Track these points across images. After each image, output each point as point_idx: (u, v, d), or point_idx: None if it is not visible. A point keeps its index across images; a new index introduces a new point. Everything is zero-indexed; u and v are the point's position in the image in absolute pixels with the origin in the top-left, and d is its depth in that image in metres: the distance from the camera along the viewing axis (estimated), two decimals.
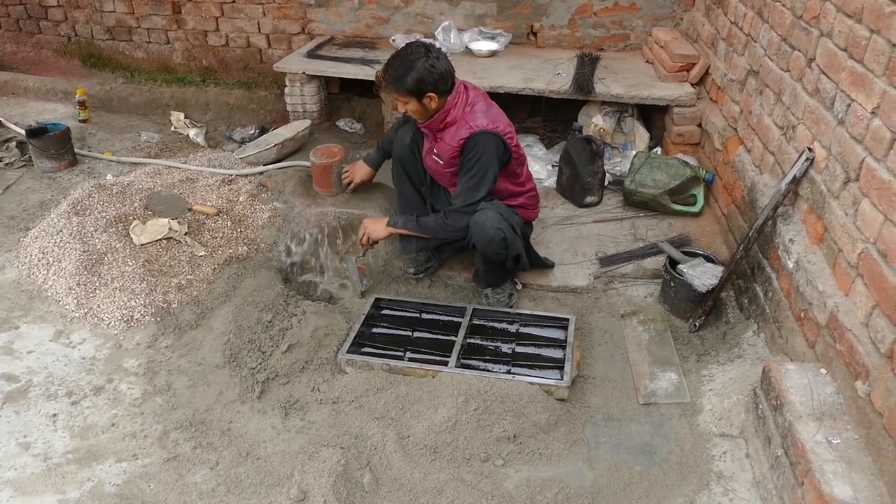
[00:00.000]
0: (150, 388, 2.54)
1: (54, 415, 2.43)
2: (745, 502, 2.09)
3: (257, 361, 2.64)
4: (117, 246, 3.02)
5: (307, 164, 3.61)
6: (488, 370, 2.58)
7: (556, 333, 2.78)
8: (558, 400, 2.46)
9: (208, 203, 3.39)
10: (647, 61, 4.29)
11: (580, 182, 3.59)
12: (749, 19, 3.18)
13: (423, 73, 2.58)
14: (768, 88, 2.89)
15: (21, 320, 2.85)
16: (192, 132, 4.45)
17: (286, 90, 4.42)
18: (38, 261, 3.05)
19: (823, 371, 2.10)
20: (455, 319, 2.86)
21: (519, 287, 3.08)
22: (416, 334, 2.82)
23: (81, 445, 2.31)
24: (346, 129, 4.53)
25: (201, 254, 3.07)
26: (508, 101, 3.80)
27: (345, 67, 4.29)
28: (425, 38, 4.35)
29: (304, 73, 4.31)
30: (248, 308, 2.84)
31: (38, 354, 2.69)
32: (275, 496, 2.12)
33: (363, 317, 2.85)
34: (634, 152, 3.82)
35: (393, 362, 2.61)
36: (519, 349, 2.73)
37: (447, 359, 2.60)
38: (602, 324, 2.92)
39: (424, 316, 2.93)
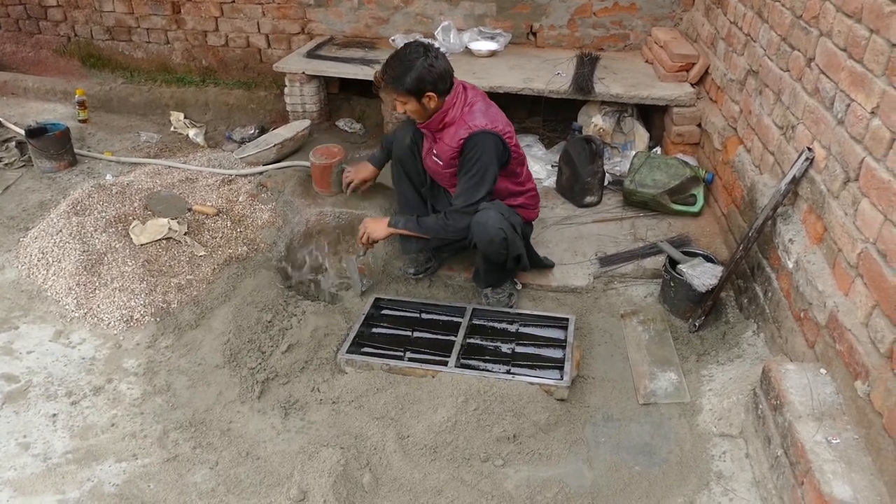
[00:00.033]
0: (150, 388, 2.54)
1: (54, 415, 2.43)
2: (745, 502, 2.09)
3: (257, 361, 2.64)
4: (117, 246, 3.02)
5: (307, 164, 3.61)
6: (488, 370, 2.58)
7: (555, 333, 2.79)
8: (558, 400, 2.46)
9: (208, 203, 3.39)
10: (646, 61, 4.29)
11: (580, 182, 3.59)
12: (748, 19, 3.18)
13: (423, 72, 2.57)
14: (768, 88, 2.89)
15: (21, 320, 2.85)
16: (191, 132, 4.45)
17: (286, 90, 4.42)
18: (38, 261, 3.05)
19: (823, 371, 2.10)
20: (455, 319, 2.86)
21: (519, 287, 3.08)
22: (416, 334, 2.82)
23: (81, 445, 2.31)
24: (346, 129, 4.53)
25: (201, 254, 3.07)
26: (508, 101, 3.79)
27: (344, 67, 4.29)
28: (425, 38, 4.35)
29: (303, 73, 4.31)
30: (248, 308, 2.84)
31: (37, 354, 2.69)
32: (275, 496, 2.12)
33: (363, 317, 2.85)
34: (634, 152, 3.82)
35: (393, 362, 2.61)
36: (519, 349, 2.73)
37: (447, 359, 2.60)
38: (602, 324, 2.92)
39: (424, 316, 2.93)
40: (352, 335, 2.74)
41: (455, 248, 3.05)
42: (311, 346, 2.71)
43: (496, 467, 2.24)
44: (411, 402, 2.46)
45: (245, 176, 3.69)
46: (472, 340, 2.77)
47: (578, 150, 3.62)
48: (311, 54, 4.47)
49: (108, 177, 3.78)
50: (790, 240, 2.45)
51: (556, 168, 3.86)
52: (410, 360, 2.66)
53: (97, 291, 2.87)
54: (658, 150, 4.02)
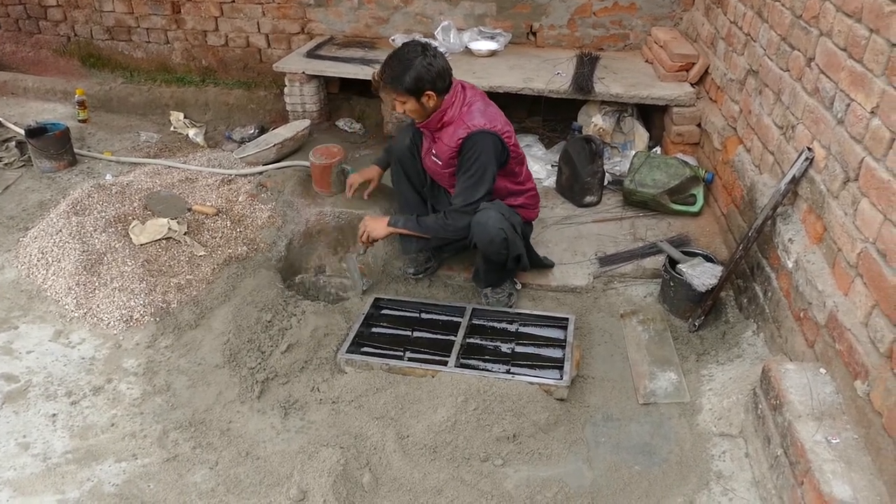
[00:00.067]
0: (150, 388, 2.54)
1: (54, 415, 2.43)
2: (745, 502, 2.09)
3: (257, 361, 2.64)
4: (116, 246, 3.02)
5: (307, 164, 3.61)
6: (488, 370, 2.58)
7: (555, 333, 2.79)
8: (558, 400, 2.46)
9: (208, 203, 3.39)
10: (646, 61, 4.29)
11: (580, 182, 3.59)
12: (748, 19, 3.18)
13: (421, 70, 2.57)
14: (768, 88, 2.89)
15: (20, 320, 2.84)
16: (191, 132, 4.45)
17: (286, 90, 4.42)
18: (38, 261, 3.05)
19: (823, 371, 2.10)
20: (455, 319, 2.86)
21: (518, 287, 3.08)
22: (416, 334, 2.82)
23: (81, 445, 2.31)
24: (346, 128, 4.53)
25: (201, 254, 3.07)
26: (508, 101, 3.79)
27: (344, 67, 4.29)
28: (425, 37, 4.35)
29: (303, 72, 4.31)
30: (248, 308, 2.84)
31: (37, 354, 2.69)
32: (274, 496, 2.12)
33: (363, 317, 2.85)
34: (634, 152, 3.82)
35: (392, 362, 2.61)
36: (518, 349, 2.73)
37: (447, 358, 2.60)
38: (601, 323, 2.92)
39: (424, 316, 2.93)
40: (351, 335, 2.74)
41: (455, 247, 3.05)
42: (311, 345, 2.71)
43: (496, 467, 2.24)
44: (411, 401, 2.46)
45: (245, 176, 3.69)
46: (471, 340, 2.77)
47: (578, 149, 3.62)
48: (311, 54, 4.47)
49: (108, 177, 3.78)
50: (790, 239, 2.45)
51: (556, 168, 3.86)
52: (410, 359, 2.66)
53: (97, 291, 2.87)
54: (658, 149, 4.02)
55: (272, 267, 3.14)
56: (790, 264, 2.40)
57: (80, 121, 4.59)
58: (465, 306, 2.91)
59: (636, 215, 3.54)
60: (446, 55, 3.23)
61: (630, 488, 2.17)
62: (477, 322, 2.87)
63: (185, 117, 4.68)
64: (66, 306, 2.86)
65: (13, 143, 4.13)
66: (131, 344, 2.71)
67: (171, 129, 4.59)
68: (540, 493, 2.15)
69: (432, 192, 3.10)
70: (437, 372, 2.53)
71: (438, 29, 4.45)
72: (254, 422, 2.43)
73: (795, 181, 2.45)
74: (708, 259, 2.90)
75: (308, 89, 4.39)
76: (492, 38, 4.47)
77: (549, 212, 3.57)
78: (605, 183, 3.73)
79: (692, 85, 3.86)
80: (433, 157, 2.83)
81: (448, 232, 2.77)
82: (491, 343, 2.77)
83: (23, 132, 3.99)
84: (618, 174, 3.84)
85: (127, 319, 2.76)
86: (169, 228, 3.14)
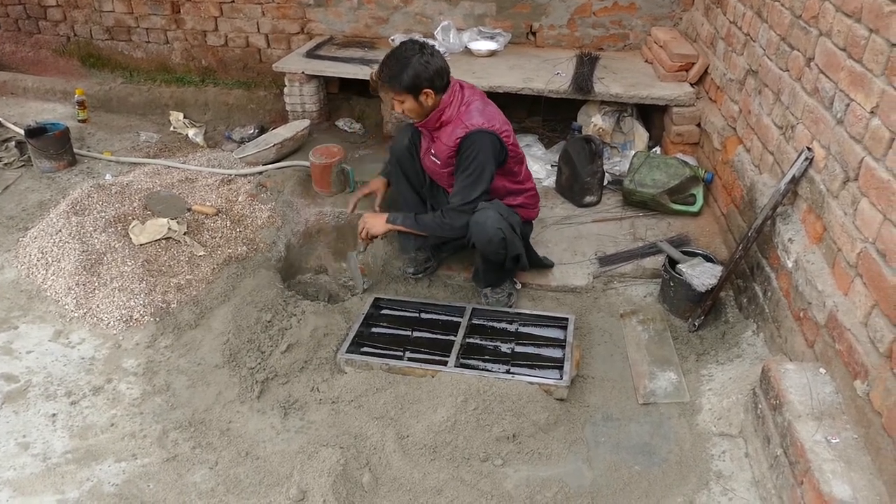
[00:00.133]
0: (150, 388, 2.54)
1: (53, 415, 2.43)
2: (745, 502, 2.09)
3: (256, 361, 2.64)
4: (116, 246, 3.02)
5: (306, 164, 3.61)
6: (487, 370, 2.58)
7: (555, 333, 2.79)
8: (557, 399, 2.46)
9: (207, 203, 3.39)
10: (646, 61, 4.29)
11: (579, 182, 3.59)
12: (748, 19, 3.18)
13: (419, 69, 2.58)
14: (767, 88, 2.89)
15: (20, 320, 2.84)
16: (191, 132, 4.45)
17: (285, 90, 4.42)
18: (37, 261, 3.05)
19: (822, 370, 2.10)
20: (454, 319, 2.86)
21: (518, 287, 3.08)
22: (416, 334, 2.82)
23: (81, 445, 2.31)
24: (346, 128, 4.52)
25: (200, 254, 3.07)
26: (507, 101, 3.79)
27: (344, 67, 4.29)
28: (424, 37, 4.35)
29: (303, 72, 4.31)
30: (248, 308, 2.84)
31: (37, 354, 2.69)
32: (274, 496, 2.12)
33: (362, 316, 2.85)
34: (633, 152, 3.82)
35: (392, 362, 2.61)
36: (518, 349, 2.73)
37: (446, 358, 2.60)
38: (601, 323, 2.92)
39: (424, 316, 2.93)
40: (351, 335, 2.74)
41: (453, 246, 3.05)
42: (311, 345, 2.71)
43: (496, 467, 2.24)
44: (411, 401, 2.46)
45: (244, 176, 3.69)
46: (471, 340, 2.77)
47: (578, 149, 3.62)
48: (311, 54, 4.47)
49: (108, 177, 3.78)
50: (790, 239, 2.45)
51: (556, 168, 3.86)
52: (410, 359, 2.66)
53: (96, 291, 2.87)
54: (658, 149, 4.02)
55: (272, 267, 3.14)
56: (790, 264, 2.40)
57: (79, 121, 4.59)
58: (465, 306, 2.91)
59: (636, 215, 3.54)
60: (446, 55, 3.23)
61: (630, 488, 2.17)
62: (477, 322, 2.87)
63: (184, 117, 4.68)
64: (66, 306, 2.86)
65: (13, 143, 4.13)
66: (131, 344, 2.71)
67: (171, 129, 4.58)
68: (540, 492, 2.15)
69: (431, 192, 3.10)
70: (436, 372, 2.53)
71: (438, 29, 4.45)
72: (253, 422, 2.43)
73: (795, 181, 2.45)
74: (708, 259, 2.90)
75: (308, 89, 4.39)
76: (491, 38, 4.46)
77: (548, 212, 3.57)
78: (605, 183, 3.73)
79: (692, 85, 3.86)
80: (432, 157, 2.83)
81: (445, 231, 2.77)
82: (491, 343, 2.77)
83: (22, 132, 3.99)
84: (617, 174, 3.84)
85: (127, 319, 2.76)
86: (169, 228, 3.14)
